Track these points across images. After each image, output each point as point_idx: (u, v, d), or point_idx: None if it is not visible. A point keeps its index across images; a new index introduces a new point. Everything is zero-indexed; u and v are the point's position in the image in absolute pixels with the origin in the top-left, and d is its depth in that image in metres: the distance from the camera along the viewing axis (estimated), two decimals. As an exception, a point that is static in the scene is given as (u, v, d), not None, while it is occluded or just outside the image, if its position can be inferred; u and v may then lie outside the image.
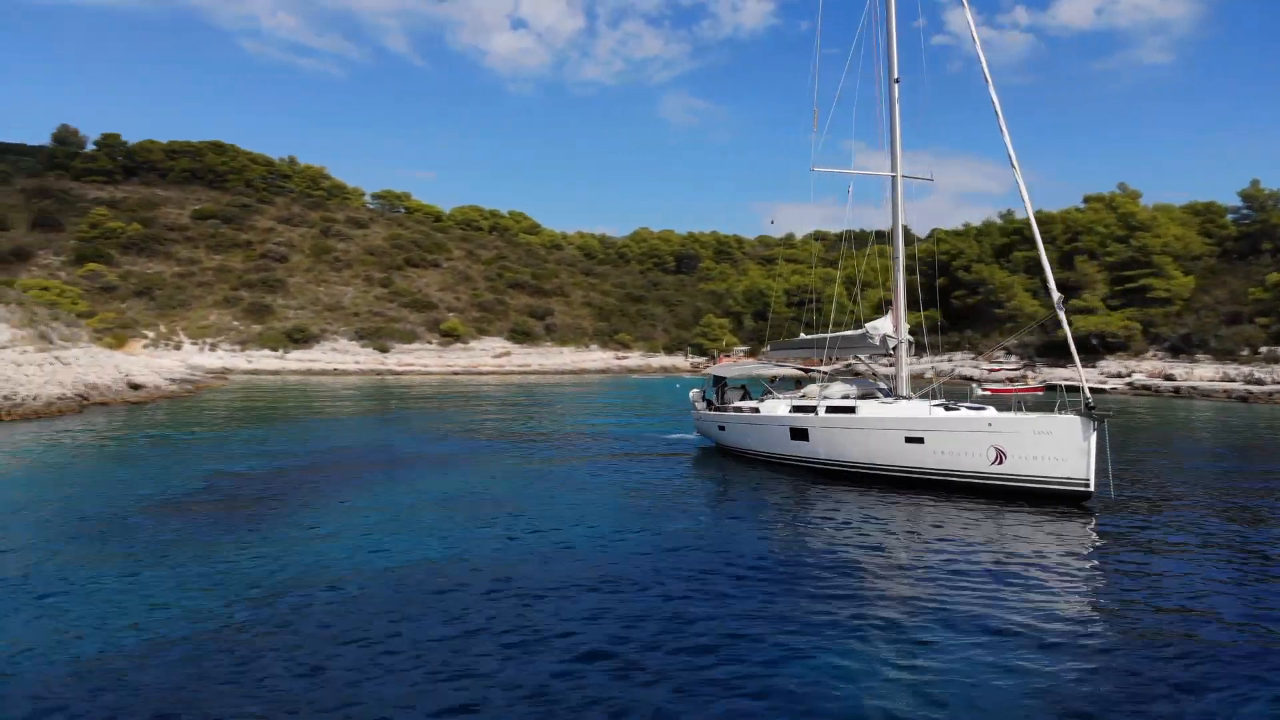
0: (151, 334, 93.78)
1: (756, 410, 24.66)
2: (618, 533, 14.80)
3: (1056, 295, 18.85)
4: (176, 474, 20.80)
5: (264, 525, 15.12)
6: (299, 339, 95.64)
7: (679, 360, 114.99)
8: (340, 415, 41.01)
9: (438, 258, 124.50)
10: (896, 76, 22.98)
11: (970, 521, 15.86)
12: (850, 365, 29.06)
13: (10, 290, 62.75)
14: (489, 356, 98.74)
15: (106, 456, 24.08)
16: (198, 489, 18.84)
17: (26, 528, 14.75)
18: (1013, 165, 19.45)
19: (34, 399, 36.07)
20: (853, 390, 23.86)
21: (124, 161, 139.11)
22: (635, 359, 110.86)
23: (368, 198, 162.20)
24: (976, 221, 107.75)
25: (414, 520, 15.76)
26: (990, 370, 72.98)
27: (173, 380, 55.72)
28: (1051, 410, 18.27)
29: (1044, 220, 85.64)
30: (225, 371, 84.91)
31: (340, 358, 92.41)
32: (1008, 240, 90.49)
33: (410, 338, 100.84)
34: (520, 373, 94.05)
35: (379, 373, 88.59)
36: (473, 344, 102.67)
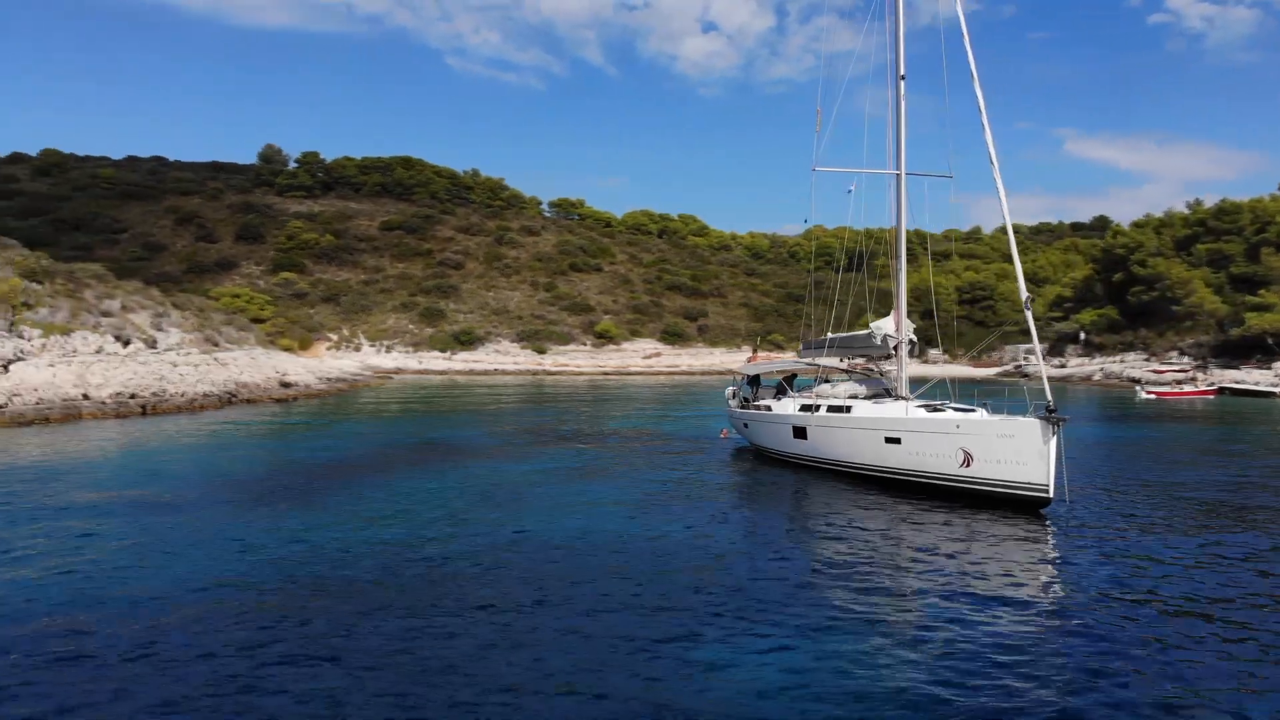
0: (335, 336, 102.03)
1: (769, 409, 24.75)
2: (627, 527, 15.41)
3: (1025, 295, 18.17)
4: (249, 457, 23.15)
5: (325, 501, 16.85)
6: (465, 341, 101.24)
7: (834, 360, 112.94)
8: (452, 411, 43.44)
9: (600, 262, 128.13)
10: (903, 73, 22.45)
11: (918, 525, 15.39)
12: (874, 365, 28.39)
13: (194, 298, 70.37)
14: (639, 357, 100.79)
15: (194, 443, 26.97)
16: (260, 473, 20.90)
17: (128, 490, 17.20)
18: (992, 163, 18.73)
19: (181, 395, 40.65)
20: (861, 390, 23.49)
21: (322, 177, 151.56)
22: (787, 360, 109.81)
23: (544, 206, 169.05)
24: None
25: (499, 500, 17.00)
26: (1157, 372, 67.71)
27: (327, 379, 60.70)
28: (1021, 412, 17.54)
29: (1230, 210, 78.60)
30: (397, 371, 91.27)
31: (500, 359, 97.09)
32: (1190, 232, 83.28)
33: (566, 339, 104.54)
34: (669, 373, 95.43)
35: (534, 373, 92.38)
36: (625, 345, 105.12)
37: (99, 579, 11.37)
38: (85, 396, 35.68)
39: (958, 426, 17.79)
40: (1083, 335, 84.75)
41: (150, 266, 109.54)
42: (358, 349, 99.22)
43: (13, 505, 16.34)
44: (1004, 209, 18.91)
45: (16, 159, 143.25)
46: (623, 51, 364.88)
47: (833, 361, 26.88)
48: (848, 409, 20.95)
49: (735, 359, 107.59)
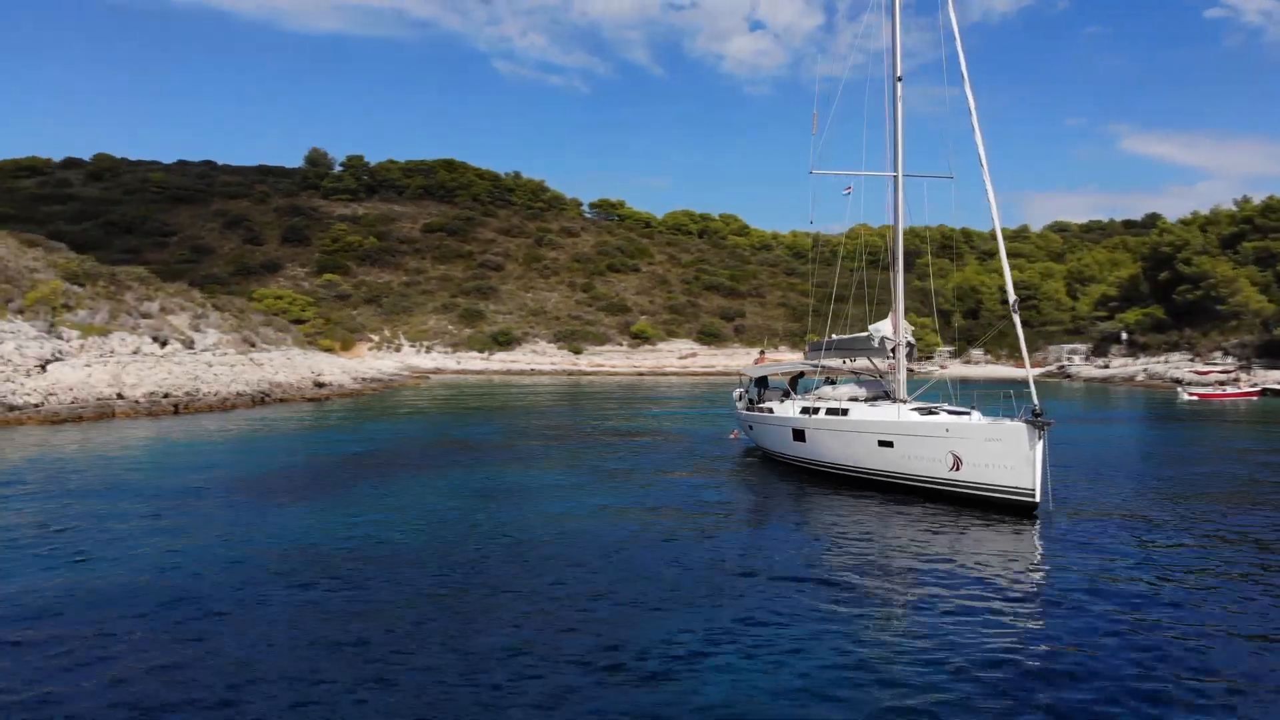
0: (376, 337, 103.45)
1: (771, 410, 24.67)
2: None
3: (1012, 298, 17.98)
4: (263, 454, 23.68)
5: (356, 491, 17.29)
6: (502, 341, 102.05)
7: (835, 361, 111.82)
8: (473, 411, 43.86)
9: (638, 263, 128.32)
10: (899, 74, 22.26)
11: (904, 529, 15.27)
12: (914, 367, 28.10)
13: (236, 300, 71.83)
14: (675, 358, 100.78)
15: (212, 440, 27.62)
16: (273, 468, 21.40)
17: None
18: (981, 165, 18.56)
19: (214, 395, 41.58)
20: (861, 392, 23.32)
21: (366, 180, 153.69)
22: (793, 362, 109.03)
23: (584, 207, 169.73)
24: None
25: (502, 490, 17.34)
26: (1199, 373, 66.15)
27: (362, 380, 61.60)
28: (1009, 416, 17.36)
29: (1277, 207, 76.57)
30: (436, 371, 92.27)
31: (537, 359, 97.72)
32: (1237, 229, 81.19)
33: (602, 339, 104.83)
34: (704, 373, 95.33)
35: (570, 373, 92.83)
36: (660, 345, 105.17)
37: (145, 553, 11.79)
38: (119, 396, 36.65)
39: (947, 430, 17.64)
40: (1125, 335, 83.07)
41: (198, 269, 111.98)
42: (398, 349, 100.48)
43: (41, 493, 16.91)
44: (994, 211, 18.72)
45: (71, 164, 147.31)
46: (669, 52, 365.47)
47: (835, 363, 26.69)
48: (844, 412, 20.84)
49: (771, 358, 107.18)
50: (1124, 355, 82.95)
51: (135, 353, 42.76)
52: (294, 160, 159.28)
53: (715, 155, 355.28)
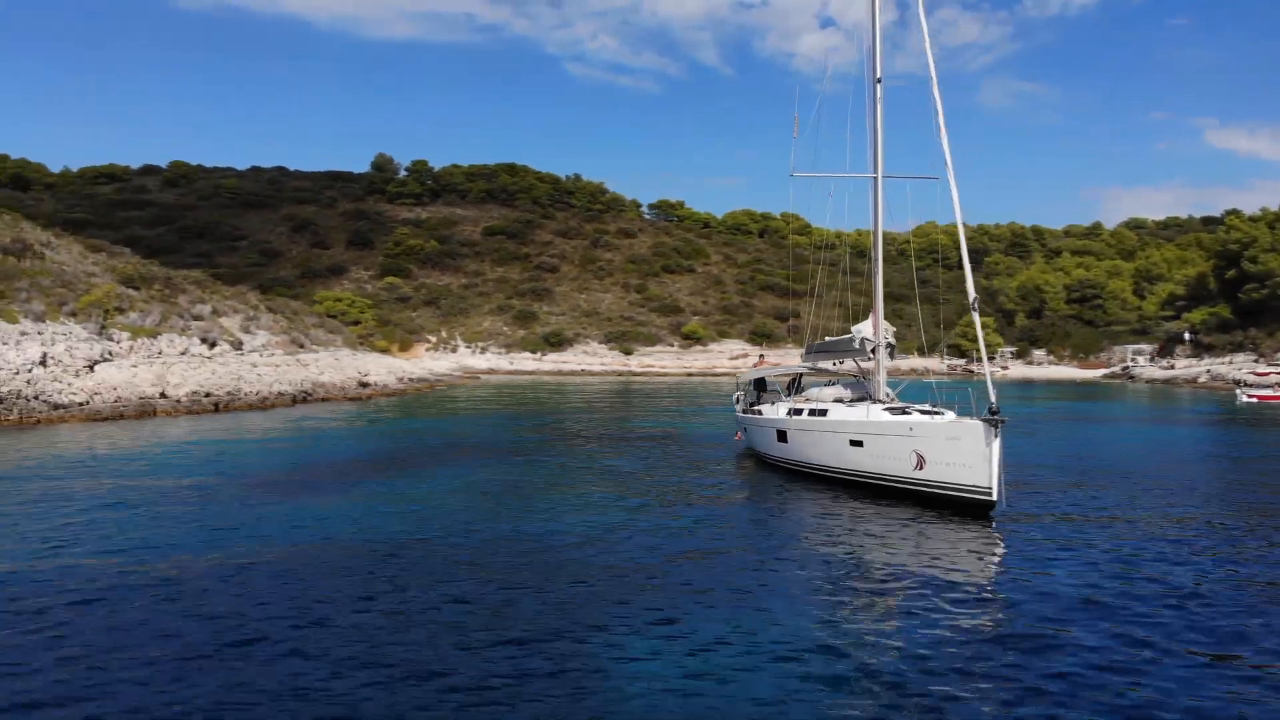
0: (434, 339, 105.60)
1: (760, 412, 24.78)
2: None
3: (973, 296, 17.85)
4: (279, 452, 24.65)
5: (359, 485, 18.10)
6: (554, 342, 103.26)
7: (933, 362, 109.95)
8: (502, 409, 44.62)
9: (694, 263, 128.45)
10: (879, 76, 22.16)
11: (869, 529, 15.32)
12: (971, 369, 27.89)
13: (292, 302, 74.10)
14: (725, 358, 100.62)
15: (236, 437, 28.75)
16: (287, 464, 22.30)
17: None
18: (946, 166, 18.47)
19: (254, 394, 43.11)
20: (847, 394, 23.28)
21: (430, 185, 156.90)
22: (791, 364, 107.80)
23: (644, 208, 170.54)
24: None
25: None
26: (1259, 374, 63.77)
27: (408, 380, 63.08)
28: (968, 414, 17.27)
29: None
30: (490, 371, 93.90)
31: (587, 359, 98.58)
32: (1308, 223, 78.10)
33: (653, 340, 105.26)
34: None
35: (620, 374, 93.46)
36: (711, 346, 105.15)
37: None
38: (162, 395, 38.26)
39: (910, 429, 17.61)
40: (1189, 335, 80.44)
41: (265, 272, 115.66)
42: (454, 350, 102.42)
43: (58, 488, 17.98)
44: (956, 211, 18.63)
45: (148, 171, 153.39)
46: (738, 51, 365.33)
47: (827, 364, 26.65)
48: (824, 413, 20.89)
49: (770, 361, 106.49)
50: (1188, 356, 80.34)
51: (183, 354, 44.54)
52: (363, 166, 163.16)
53: (785, 154, 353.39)
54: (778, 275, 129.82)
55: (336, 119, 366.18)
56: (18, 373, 33.70)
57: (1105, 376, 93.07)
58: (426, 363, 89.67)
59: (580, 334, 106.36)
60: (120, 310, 44.69)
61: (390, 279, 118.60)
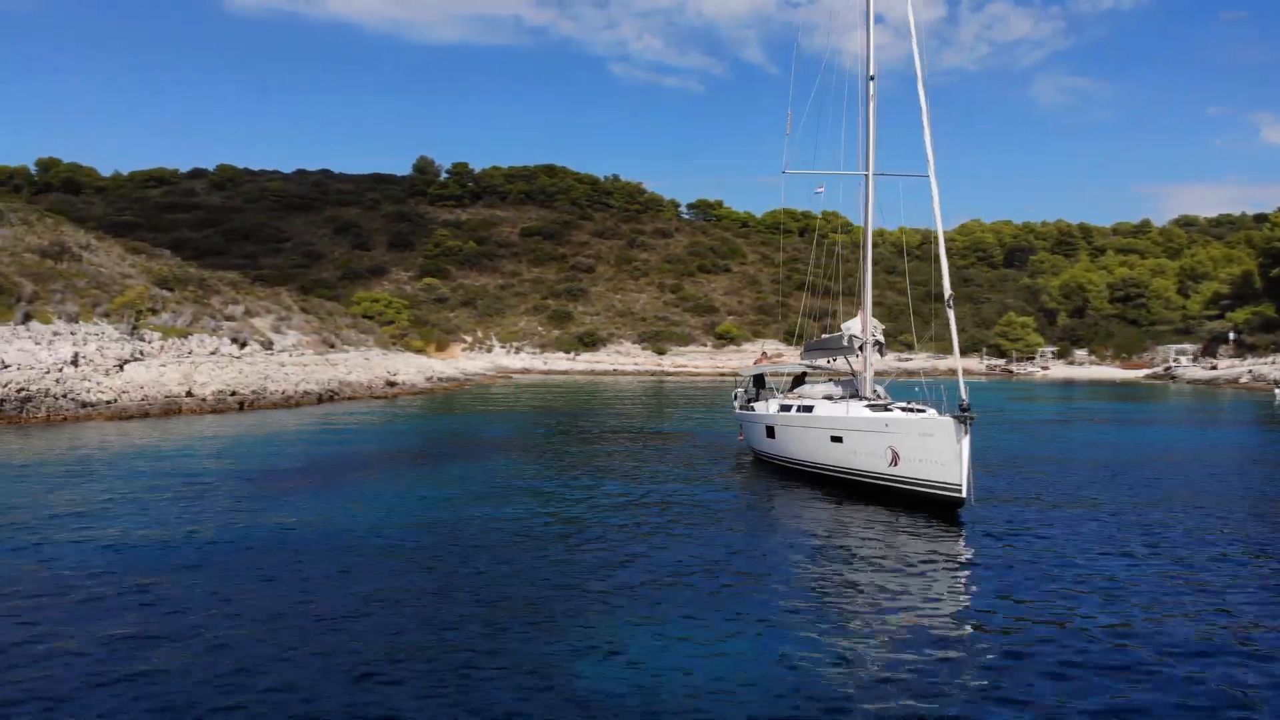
0: (469, 338, 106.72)
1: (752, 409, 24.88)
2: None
3: (948, 293, 17.74)
4: (292, 449, 25.28)
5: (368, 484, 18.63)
6: (588, 342, 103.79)
7: (971, 363, 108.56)
8: (519, 409, 45.06)
9: (730, 263, 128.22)
10: (872, 73, 22.12)
11: (843, 526, 15.38)
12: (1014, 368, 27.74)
13: (326, 303, 75.43)
14: (768, 359, 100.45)
15: (245, 433, 29.47)
16: (296, 462, 22.91)
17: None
18: (929, 164, 18.40)
19: (280, 393, 44.05)
20: (837, 390, 23.27)
21: (471, 187, 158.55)
22: (920, 360, 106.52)
23: (682, 208, 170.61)
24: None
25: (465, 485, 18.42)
26: (1300, 373, 62.12)
27: (437, 379, 63.93)
28: (939, 410, 17.22)
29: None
30: (524, 371, 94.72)
31: (620, 359, 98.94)
32: (1360, 218, 75.76)
33: (686, 340, 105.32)
34: (787, 375, 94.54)
35: (653, 373, 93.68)
36: (745, 346, 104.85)
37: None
38: (188, 394, 39.25)
39: (886, 425, 17.60)
40: (1233, 335, 78.55)
41: (307, 273, 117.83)
42: (489, 350, 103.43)
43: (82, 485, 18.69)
44: (936, 210, 18.54)
45: (196, 174, 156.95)
46: (785, 49, 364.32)
47: (822, 362, 26.61)
48: (810, 409, 20.91)
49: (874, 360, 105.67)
50: (1231, 356, 78.49)
51: (213, 353, 45.64)
52: (407, 168, 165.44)
53: (832, 151, 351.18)
54: (815, 275, 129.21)
55: (382, 122, 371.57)
56: (48, 371, 34.80)
57: (1147, 377, 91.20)
58: (461, 363, 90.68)
59: (614, 334, 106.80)
60: (153, 311, 45.93)
61: (428, 280, 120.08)
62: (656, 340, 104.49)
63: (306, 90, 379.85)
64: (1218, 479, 21.30)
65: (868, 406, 19.45)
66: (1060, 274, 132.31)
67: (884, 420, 17.80)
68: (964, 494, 15.93)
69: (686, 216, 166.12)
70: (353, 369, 54.59)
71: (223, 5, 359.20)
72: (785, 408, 22.42)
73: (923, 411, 18.60)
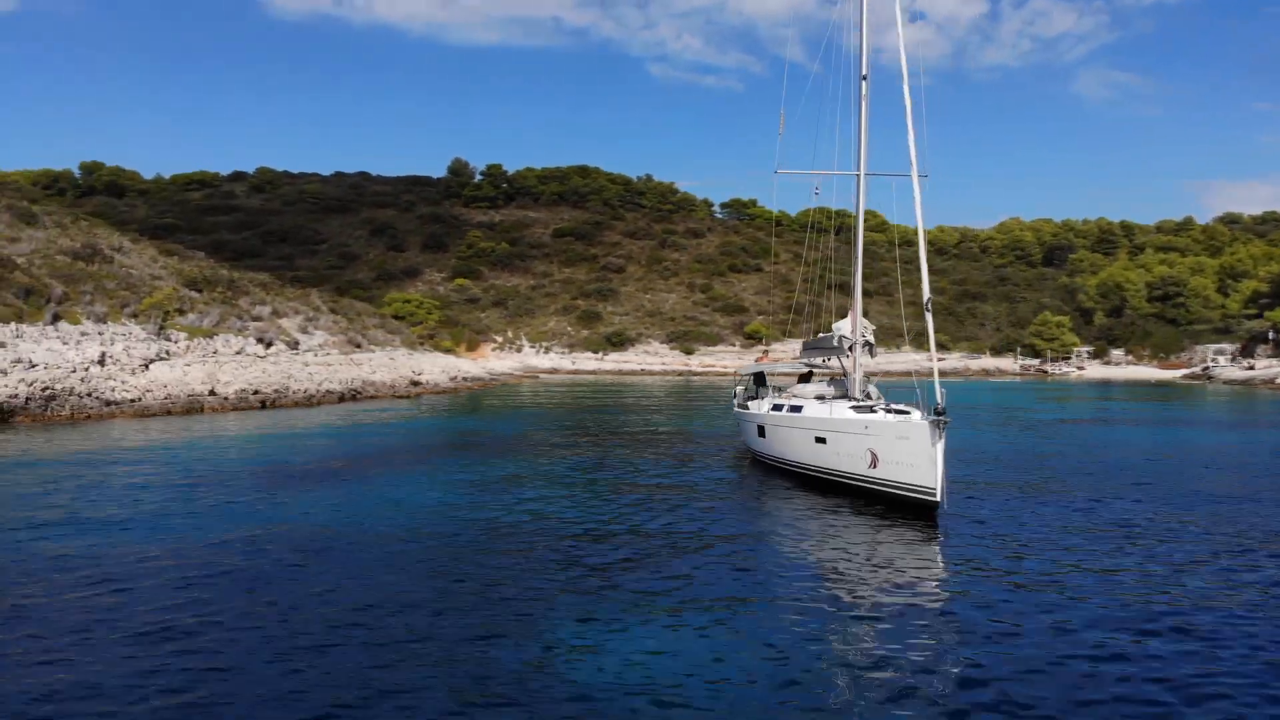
0: (500, 339, 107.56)
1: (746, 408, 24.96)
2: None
3: (927, 296, 17.67)
4: (304, 447, 25.84)
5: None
6: (616, 342, 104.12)
7: (1005, 362, 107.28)
8: (534, 408, 45.42)
9: (761, 262, 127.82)
10: (865, 73, 22.11)
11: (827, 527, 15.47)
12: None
13: (356, 303, 76.47)
14: (788, 358, 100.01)
15: (263, 432, 30.09)
16: (310, 457, 23.45)
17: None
18: (911, 165, 18.36)
19: (301, 392, 44.83)
20: (830, 390, 23.27)
21: (505, 188, 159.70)
22: (953, 361, 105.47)
23: (715, 208, 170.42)
24: None
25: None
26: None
27: (463, 379, 64.58)
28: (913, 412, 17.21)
29: None
30: (552, 371, 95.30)
31: (648, 359, 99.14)
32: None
33: (715, 340, 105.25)
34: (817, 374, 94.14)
35: (681, 373, 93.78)
36: (775, 346, 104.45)
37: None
38: (211, 392, 40.10)
39: (865, 427, 17.61)
40: (1271, 334, 76.86)
41: (342, 274, 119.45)
42: (519, 350, 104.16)
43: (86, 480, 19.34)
44: (918, 210, 18.52)
45: (236, 177, 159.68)
46: (825, 47, 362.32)
47: (817, 361, 26.60)
48: (799, 409, 20.95)
49: (890, 360, 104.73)
50: (1270, 356, 76.81)
51: (238, 353, 46.57)
52: (444, 170, 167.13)
53: (876, 150, 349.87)
54: (847, 274, 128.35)
55: (420, 125, 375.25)
56: (74, 370, 35.75)
57: (1184, 377, 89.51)
58: (491, 362, 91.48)
59: (643, 334, 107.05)
60: (180, 312, 46.96)
61: (460, 280, 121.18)
62: (685, 340, 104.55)
63: (346, 93, 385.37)
64: (1211, 477, 21.02)
65: (852, 408, 19.44)
66: (1099, 273, 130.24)
67: (864, 422, 17.82)
68: (938, 498, 15.92)
69: (720, 216, 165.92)
70: (377, 368, 55.34)
71: (266, 11, 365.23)
72: (777, 407, 22.48)
73: (906, 414, 18.58)
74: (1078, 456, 26.14)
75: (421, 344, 74.22)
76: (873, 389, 22.89)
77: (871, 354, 23.46)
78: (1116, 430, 35.98)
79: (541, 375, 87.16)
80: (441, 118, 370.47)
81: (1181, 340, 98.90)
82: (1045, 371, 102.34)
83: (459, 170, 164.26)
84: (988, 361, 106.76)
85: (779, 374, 29.04)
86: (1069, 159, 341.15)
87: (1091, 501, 18.01)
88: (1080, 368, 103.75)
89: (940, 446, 15.85)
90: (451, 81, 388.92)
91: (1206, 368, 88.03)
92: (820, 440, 19.14)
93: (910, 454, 16.50)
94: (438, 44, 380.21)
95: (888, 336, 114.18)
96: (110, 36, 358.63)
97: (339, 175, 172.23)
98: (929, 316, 17.76)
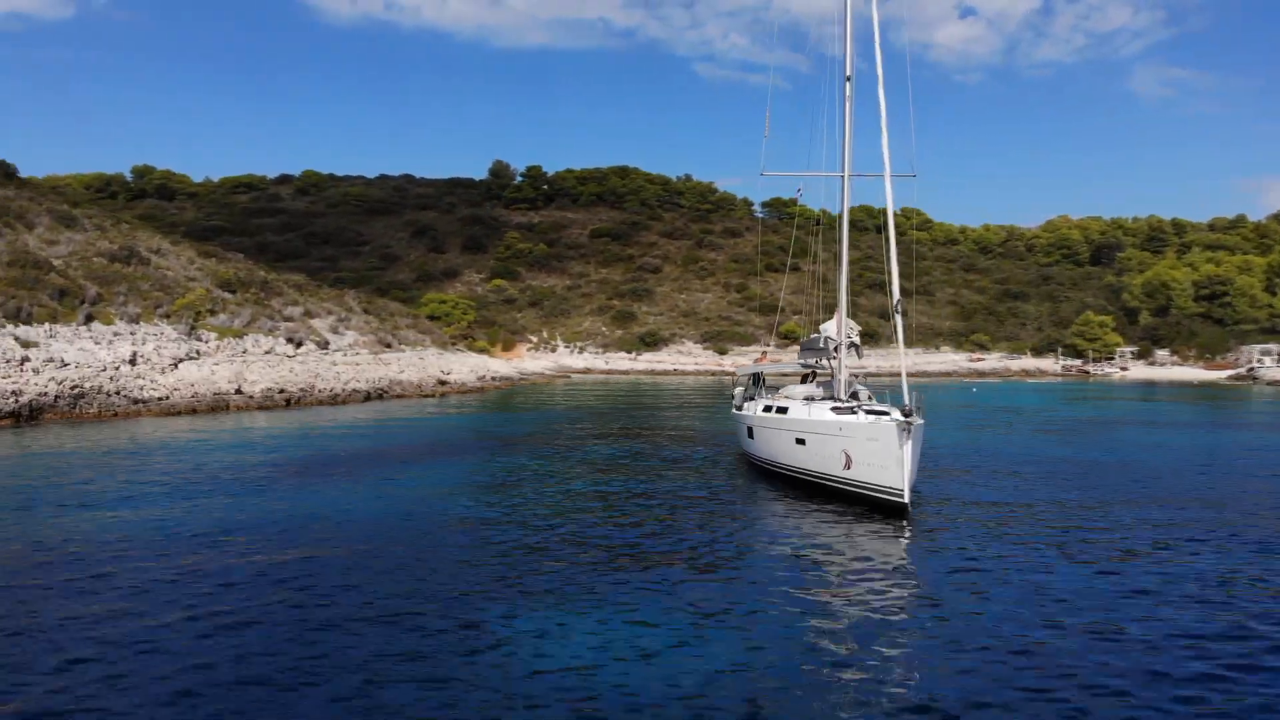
0: (535, 339, 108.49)
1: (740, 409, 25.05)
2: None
3: (896, 298, 17.73)
4: (309, 444, 26.57)
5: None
6: (650, 342, 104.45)
7: (1046, 363, 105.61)
8: (554, 409, 45.90)
9: (799, 261, 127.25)
10: (849, 74, 22.15)
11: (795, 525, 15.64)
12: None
13: (391, 303, 77.69)
14: (759, 357, 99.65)
15: (280, 431, 30.92)
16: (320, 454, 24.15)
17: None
18: (884, 166, 18.44)
19: (327, 391, 45.80)
20: (818, 391, 23.31)
21: (545, 189, 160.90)
22: (992, 361, 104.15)
23: (755, 207, 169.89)
24: None
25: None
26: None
27: (492, 378, 65.37)
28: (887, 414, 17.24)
29: None
30: (586, 370, 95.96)
31: (681, 359, 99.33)
32: None
33: (749, 340, 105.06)
34: (855, 374, 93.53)
35: (713, 373, 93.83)
36: (903, 347, 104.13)
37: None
38: (238, 391, 41.14)
39: (840, 429, 17.71)
40: (856, 340, 74.71)
41: (383, 275, 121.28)
42: (554, 350, 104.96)
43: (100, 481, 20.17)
44: (889, 211, 18.57)
45: (283, 180, 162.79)
46: (872, 44, 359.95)
47: (812, 362, 26.58)
48: (784, 410, 21.05)
49: (928, 360, 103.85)
50: (853, 357, 74.62)
51: (267, 353, 47.70)
52: (482, 172, 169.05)
53: (924, 148, 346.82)
54: (887, 273, 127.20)
55: (466, 127, 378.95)
56: (104, 369, 36.94)
57: (1230, 378, 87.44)
58: (525, 362, 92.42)
59: (677, 334, 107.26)
60: (211, 312, 48.22)
61: (498, 281, 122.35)
62: (719, 340, 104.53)
63: (394, 96, 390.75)
64: (1191, 482, 20.73)
65: (832, 409, 19.52)
66: (1146, 271, 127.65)
67: (839, 424, 17.91)
68: (905, 499, 15.99)
69: (760, 215, 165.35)
70: (405, 368, 56.26)
71: (318, 17, 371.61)
72: (767, 409, 22.60)
73: (885, 415, 18.62)
74: (1074, 457, 25.89)
75: (454, 344, 75.19)
76: (862, 390, 22.90)
77: (858, 355, 23.48)
78: (1124, 432, 35.41)
79: (574, 375, 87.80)
80: (486, 120, 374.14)
81: (1228, 340, 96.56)
82: (1087, 372, 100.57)
83: (499, 172, 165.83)
84: (1028, 362, 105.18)
85: (785, 374, 29.08)
86: (1124, 156, 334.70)
87: (1062, 504, 17.92)
88: (1124, 368, 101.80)
89: (909, 448, 15.92)
90: (497, 84, 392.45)
91: (1252, 368, 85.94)
92: (800, 441, 19.25)
93: (880, 455, 16.58)
94: (486, 47, 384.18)
95: (926, 336, 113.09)
96: (164, 43, 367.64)
97: (383, 178, 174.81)
98: (898, 319, 17.84)
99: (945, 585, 11.68)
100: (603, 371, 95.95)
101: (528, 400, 53.20)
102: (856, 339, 23.39)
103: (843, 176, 22.58)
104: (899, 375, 18.66)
